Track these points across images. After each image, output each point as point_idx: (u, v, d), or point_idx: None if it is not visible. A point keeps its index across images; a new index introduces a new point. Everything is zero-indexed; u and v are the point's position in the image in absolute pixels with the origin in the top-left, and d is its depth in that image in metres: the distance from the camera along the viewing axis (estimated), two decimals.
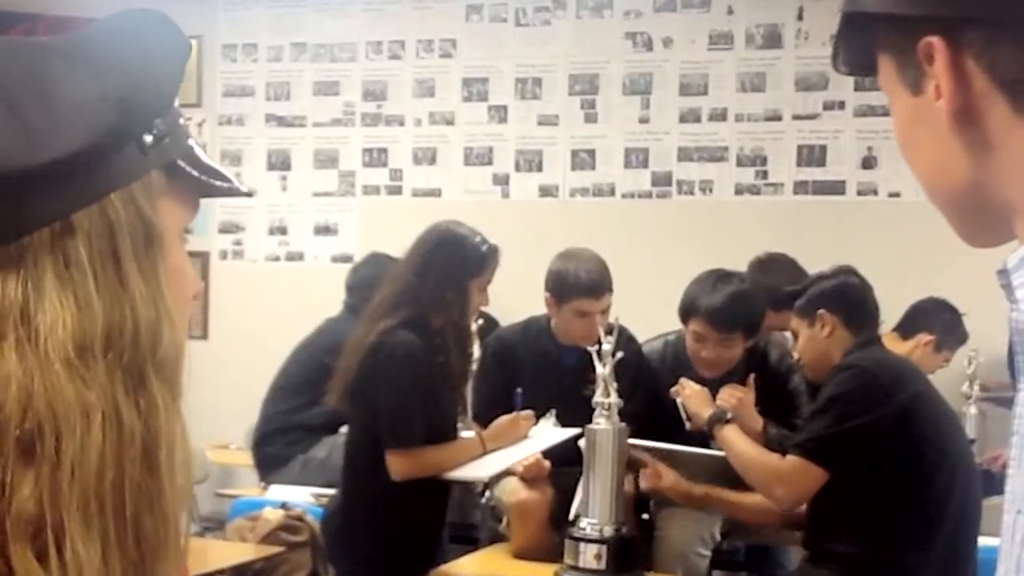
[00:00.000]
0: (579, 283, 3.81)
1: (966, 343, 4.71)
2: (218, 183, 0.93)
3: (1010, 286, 0.87)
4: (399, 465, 3.43)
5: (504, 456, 3.62)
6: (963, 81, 0.84)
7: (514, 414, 3.69)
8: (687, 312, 3.77)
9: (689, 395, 3.64)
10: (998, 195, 0.88)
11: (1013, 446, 0.90)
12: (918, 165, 0.91)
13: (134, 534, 0.79)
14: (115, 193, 0.83)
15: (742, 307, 3.69)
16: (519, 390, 3.81)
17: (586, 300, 3.78)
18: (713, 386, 3.79)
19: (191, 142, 0.92)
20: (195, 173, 0.91)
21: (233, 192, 0.98)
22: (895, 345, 4.47)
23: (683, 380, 3.69)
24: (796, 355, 3.57)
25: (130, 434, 0.79)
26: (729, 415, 3.50)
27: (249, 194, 1.02)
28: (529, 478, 3.62)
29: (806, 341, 3.41)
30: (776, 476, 3.27)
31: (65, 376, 0.78)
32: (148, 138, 0.85)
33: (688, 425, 3.68)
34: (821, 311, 3.34)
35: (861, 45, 0.93)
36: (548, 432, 3.78)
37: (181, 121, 0.90)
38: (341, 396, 3.56)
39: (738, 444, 3.41)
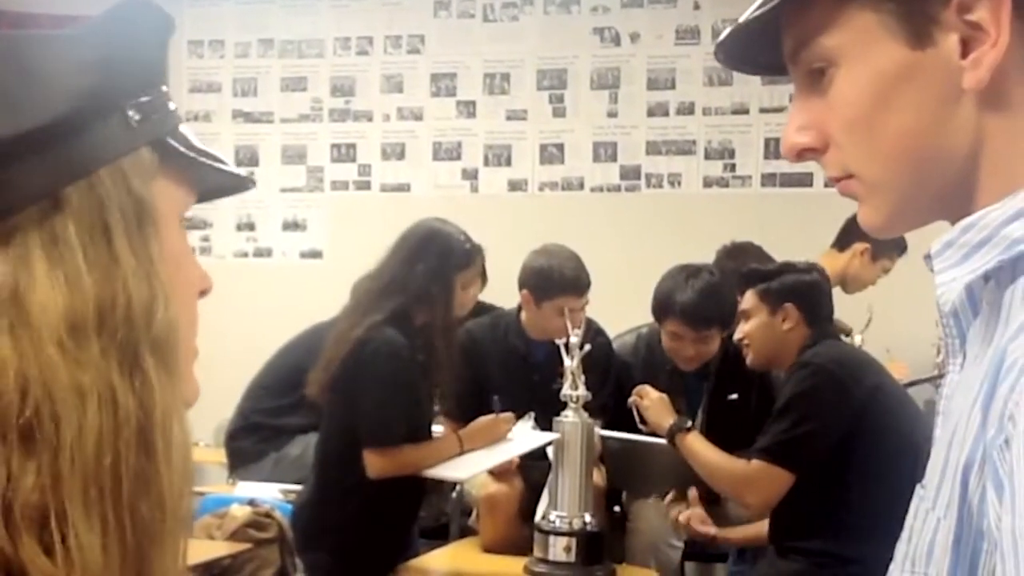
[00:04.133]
0: (564, 280, 3.77)
1: (906, 252, 4.51)
2: (215, 165, 0.90)
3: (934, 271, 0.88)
4: (377, 464, 3.39)
5: (482, 458, 3.54)
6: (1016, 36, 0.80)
7: (494, 415, 3.61)
8: (662, 312, 3.74)
9: (648, 405, 3.51)
10: (984, 168, 0.84)
11: (937, 425, 0.91)
12: (890, 127, 0.86)
13: (131, 520, 0.77)
14: (104, 169, 0.80)
15: (715, 301, 3.66)
16: (496, 397, 3.72)
17: (571, 297, 3.74)
18: (688, 379, 3.79)
19: (183, 127, 0.89)
20: (190, 154, 0.88)
21: (236, 182, 0.95)
22: (832, 261, 4.34)
23: (641, 388, 3.56)
24: (740, 335, 3.38)
25: (125, 415, 0.77)
26: (689, 423, 3.41)
27: (249, 185, 0.97)
28: (498, 472, 3.60)
29: (761, 327, 3.32)
30: (744, 482, 3.24)
31: (59, 359, 0.75)
32: (134, 113, 0.82)
33: (643, 428, 3.61)
34: (788, 305, 3.28)
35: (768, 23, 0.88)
36: (527, 436, 3.71)
37: (171, 105, 0.87)
38: (322, 388, 3.51)
39: (702, 452, 3.34)
